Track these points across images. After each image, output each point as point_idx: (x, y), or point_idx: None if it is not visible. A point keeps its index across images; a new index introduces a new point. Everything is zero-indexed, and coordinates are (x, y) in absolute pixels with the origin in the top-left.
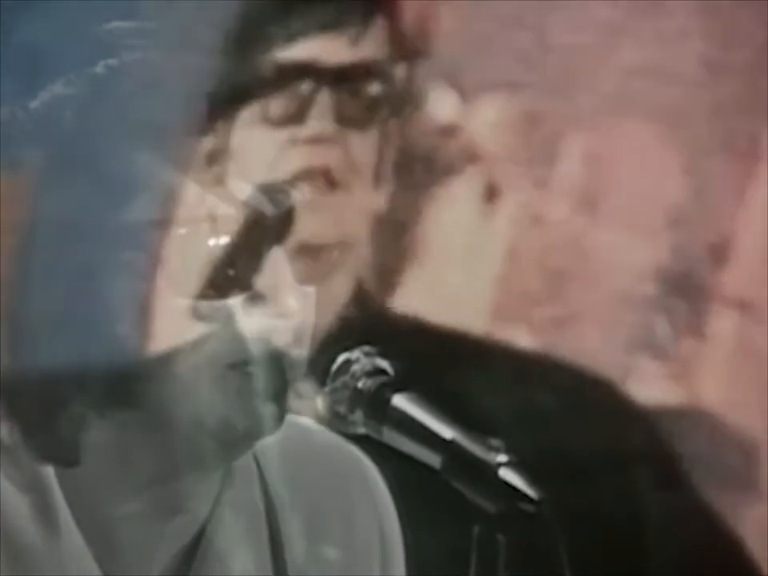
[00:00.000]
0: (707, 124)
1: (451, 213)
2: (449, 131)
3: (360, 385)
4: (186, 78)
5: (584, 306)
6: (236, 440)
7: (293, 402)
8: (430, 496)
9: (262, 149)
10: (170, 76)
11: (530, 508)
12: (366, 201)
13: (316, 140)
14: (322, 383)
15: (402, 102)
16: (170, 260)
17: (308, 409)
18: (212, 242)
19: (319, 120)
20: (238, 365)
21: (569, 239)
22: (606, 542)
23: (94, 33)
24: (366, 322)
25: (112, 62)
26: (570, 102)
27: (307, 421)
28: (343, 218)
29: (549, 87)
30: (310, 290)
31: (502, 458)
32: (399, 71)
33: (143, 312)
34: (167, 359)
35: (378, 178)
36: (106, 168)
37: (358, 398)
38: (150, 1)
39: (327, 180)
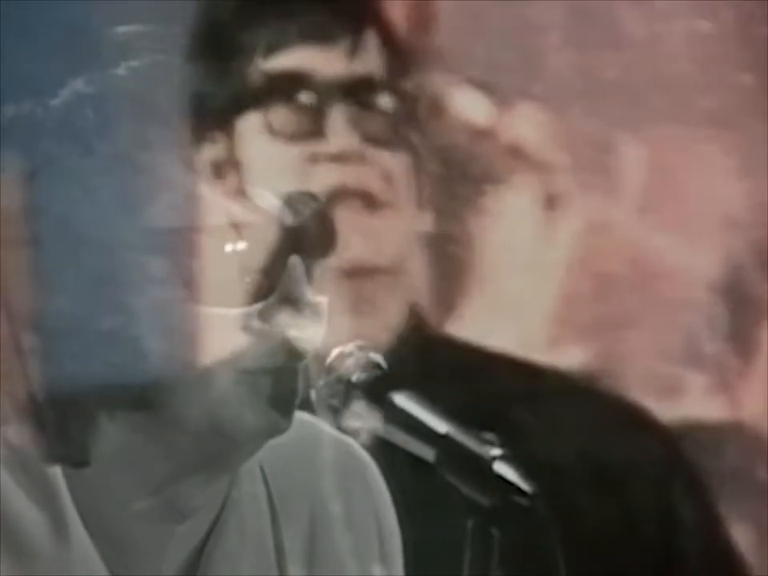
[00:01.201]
0: (759, 127)
1: (507, 223)
2: (484, 135)
3: (354, 378)
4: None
5: (636, 314)
6: (246, 439)
7: (349, 421)
8: (424, 490)
9: (280, 164)
10: (189, 80)
11: (523, 502)
12: (412, 221)
13: (342, 158)
14: (316, 377)
15: (421, 114)
16: (191, 266)
17: (364, 428)
18: (228, 248)
19: (341, 136)
20: (253, 370)
21: (626, 247)
22: (603, 540)
23: (115, 33)
24: (422, 347)
25: (134, 63)
26: (618, 107)
27: (308, 418)
28: (391, 239)
29: (593, 94)
30: (323, 299)
31: (496, 451)
32: (408, 83)
33: (166, 320)
34: (189, 366)
35: (420, 197)
36: (124, 170)
37: (352, 391)
38: (172, 3)
39: (368, 201)
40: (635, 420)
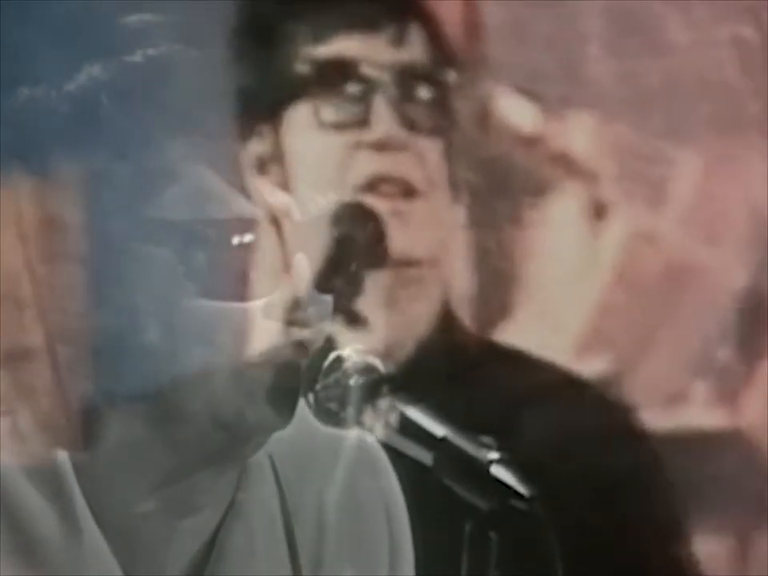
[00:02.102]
0: None
1: (552, 232)
2: (531, 142)
3: (352, 382)
4: (221, 73)
5: (662, 323)
6: (248, 433)
7: (367, 416)
8: (422, 493)
9: (325, 154)
10: (207, 70)
11: (521, 505)
12: (447, 213)
13: (384, 145)
14: (314, 380)
15: (463, 109)
16: (196, 259)
17: (381, 423)
18: (235, 241)
19: (384, 124)
20: (255, 364)
21: (665, 256)
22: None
23: (134, 20)
24: (449, 347)
25: (151, 51)
26: (662, 115)
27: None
28: (428, 229)
29: (637, 101)
30: (328, 298)
31: (494, 455)
32: (451, 76)
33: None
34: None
35: (455, 190)
36: (141, 165)
37: (349, 395)
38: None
39: (405, 189)
40: (623, 426)
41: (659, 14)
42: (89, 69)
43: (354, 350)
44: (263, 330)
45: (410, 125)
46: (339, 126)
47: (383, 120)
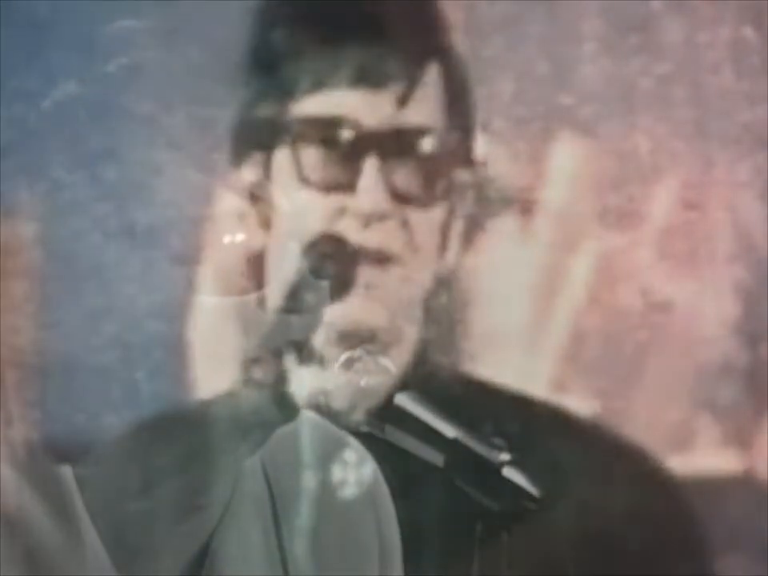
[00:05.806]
0: None
1: (508, 252)
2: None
3: (363, 383)
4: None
5: (650, 362)
6: (250, 430)
7: (377, 416)
8: (434, 494)
9: (307, 212)
10: (182, 75)
11: (533, 506)
12: (425, 276)
13: (369, 218)
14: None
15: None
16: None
17: (392, 424)
18: (227, 239)
19: (372, 193)
20: (257, 358)
21: (639, 277)
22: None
23: (106, 31)
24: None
25: (125, 60)
26: (652, 121)
27: (312, 416)
28: (395, 297)
29: (626, 106)
30: (324, 283)
31: (505, 456)
32: (454, 138)
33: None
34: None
35: (443, 250)
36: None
37: (360, 395)
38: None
39: (380, 258)
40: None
41: (658, 13)
42: (64, 85)
43: (365, 350)
44: (259, 323)
45: (400, 192)
46: (324, 187)
47: (371, 188)
